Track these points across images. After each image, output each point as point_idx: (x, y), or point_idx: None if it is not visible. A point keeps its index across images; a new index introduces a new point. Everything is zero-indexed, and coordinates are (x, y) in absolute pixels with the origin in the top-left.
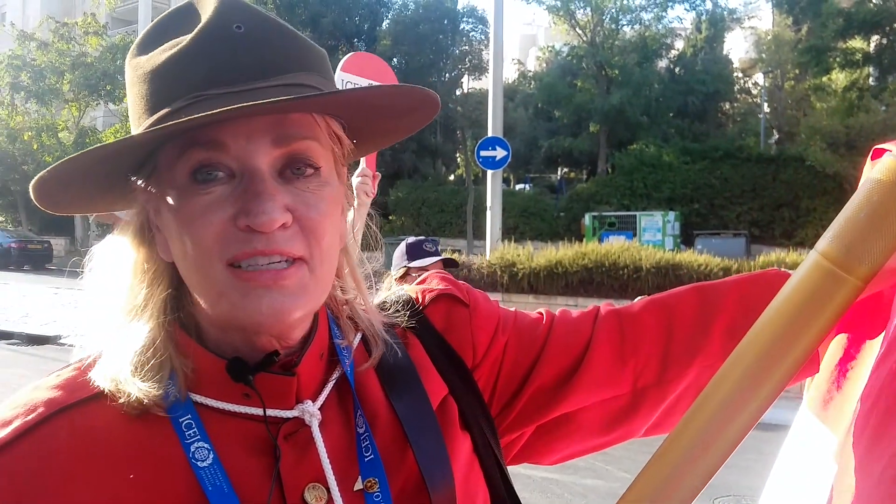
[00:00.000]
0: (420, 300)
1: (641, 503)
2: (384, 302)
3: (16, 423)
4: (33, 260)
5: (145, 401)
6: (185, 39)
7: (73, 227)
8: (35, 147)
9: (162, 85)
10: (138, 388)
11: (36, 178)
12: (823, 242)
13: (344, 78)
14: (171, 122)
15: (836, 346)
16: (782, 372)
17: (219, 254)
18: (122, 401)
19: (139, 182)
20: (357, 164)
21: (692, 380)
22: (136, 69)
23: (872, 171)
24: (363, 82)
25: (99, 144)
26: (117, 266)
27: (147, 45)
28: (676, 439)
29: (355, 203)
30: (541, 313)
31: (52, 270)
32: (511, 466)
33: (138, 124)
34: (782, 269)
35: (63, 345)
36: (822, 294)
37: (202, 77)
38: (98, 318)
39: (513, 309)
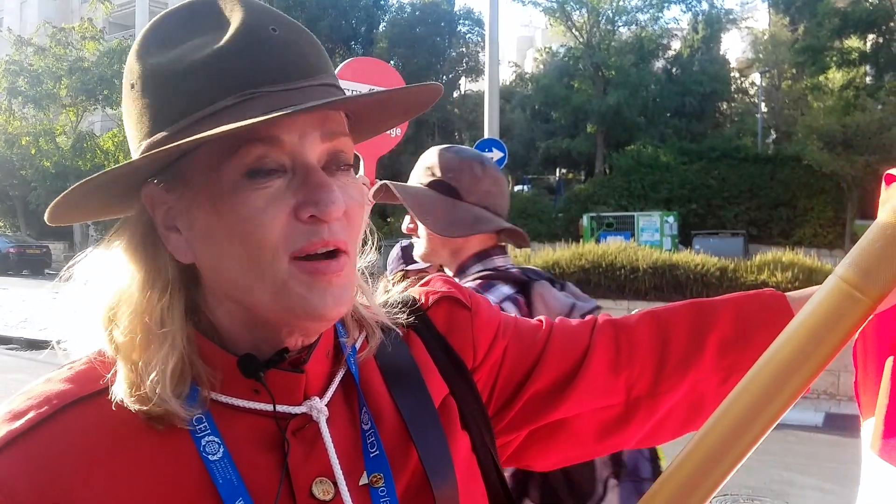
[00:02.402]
0: (423, 301)
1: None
2: (387, 302)
3: (29, 415)
4: (32, 265)
5: (173, 411)
6: (221, 39)
7: (72, 232)
8: (33, 152)
9: (201, 83)
10: (165, 402)
11: (55, 203)
12: (843, 268)
13: (342, 85)
14: (265, 116)
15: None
16: (801, 379)
17: (283, 247)
18: (147, 409)
19: (160, 185)
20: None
21: (684, 393)
22: (156, 70)
23: (887, 205)
24: (363, 87)
25: (174, 144)
26: (120, 272)
27: (164, 46)
28: (695, 449)
29: None
30: (540, 320)
31: (50, 275)
32: (511, 469)
33: (159, 128)
34: (781, 287)
35: (62, 350)
36: (841, 311)
37: (249, 75)
38: (92, 323)
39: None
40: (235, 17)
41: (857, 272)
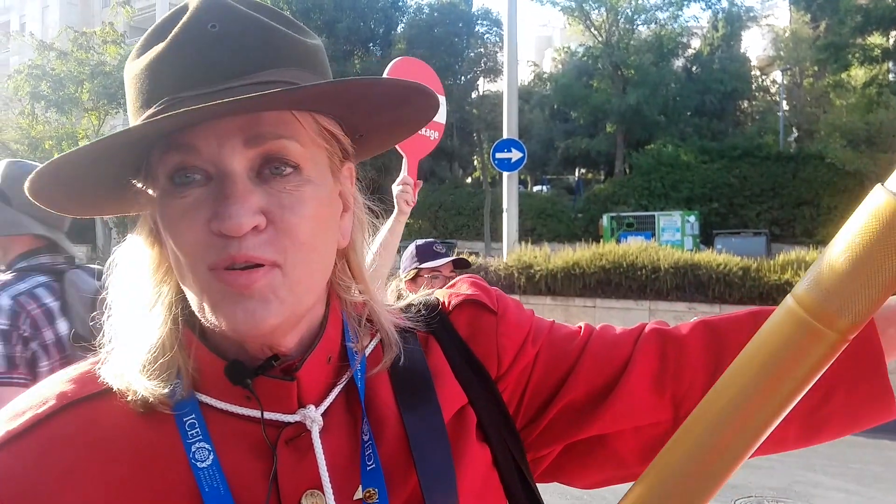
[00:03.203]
0: (446, 305)
1: None
2: (410, 304)
3: (27, 415)
4: None
5: (151, 399)
6: (162, 44)
7: (95, 235)
8: (56, 156)
9: (143, 87)
10: (145, 387)
11: (27, 181)
12: (801, 287)
13: None
14: (124, 129)
15: None
16: (751, 431)
17: (200, 258)
18: (129, 398)
19: (139, 185)
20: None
21: None
22: (128, 72)
23: (858, 208)
24: None
25: (76, 148)
26: (132, 265)
27: (142, 48)
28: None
29: (395, 210)
30: (580, 327)
31: None
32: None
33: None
34: None
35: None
36: (796, 348)
37: (176, 79)
38: (115, 316)
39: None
40: (183, 18)
41: (818, 295)
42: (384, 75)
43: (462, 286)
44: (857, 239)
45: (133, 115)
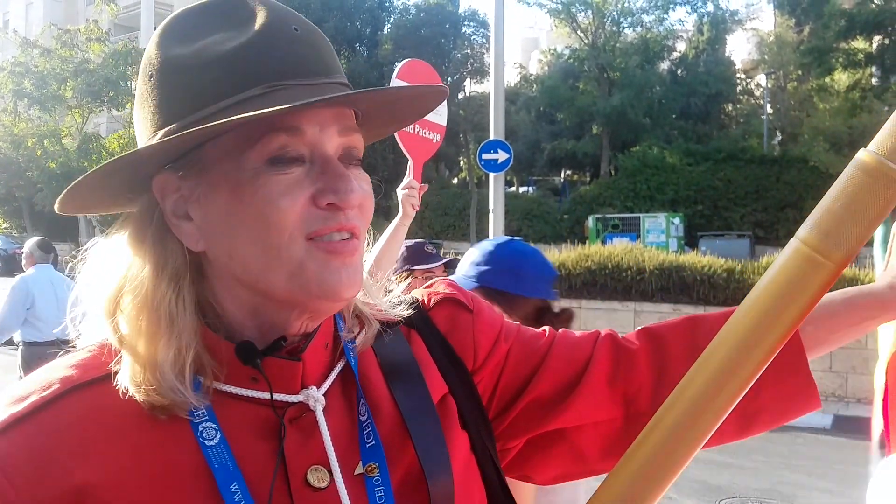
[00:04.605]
0: (425, 302)
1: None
2: (390, 300)
3: (31, 399)
4: None
5: (180, 402)
6: (247, 34)
7: (78, 232)
8: (39, 153)
9: (227, 74)
10: (171, 401)
11: (99, 167)
12: (804, 230)
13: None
14: (302, 102)
15: None
16: (763, 350)
17: (300, 229)
18: (149, 400)
19: (176, 173)
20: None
21: None
22: (177, 61)
23: (848, 166)
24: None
25: (198, 128)
26: (124, 262)
27: (187, 39)
28: (661, 419)
29: (399, 214)
30: (544, 330)
31: None
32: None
33: (179, 116)
34: None
35: (70, 350)
36: (803, 276)
37: (274, 69)
38: (97, 317)
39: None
40: (260, 15)
41: (818, 234)
42: (393, 78)
43: (439, 286)
44: (847, 188)
45: (200, 102)
